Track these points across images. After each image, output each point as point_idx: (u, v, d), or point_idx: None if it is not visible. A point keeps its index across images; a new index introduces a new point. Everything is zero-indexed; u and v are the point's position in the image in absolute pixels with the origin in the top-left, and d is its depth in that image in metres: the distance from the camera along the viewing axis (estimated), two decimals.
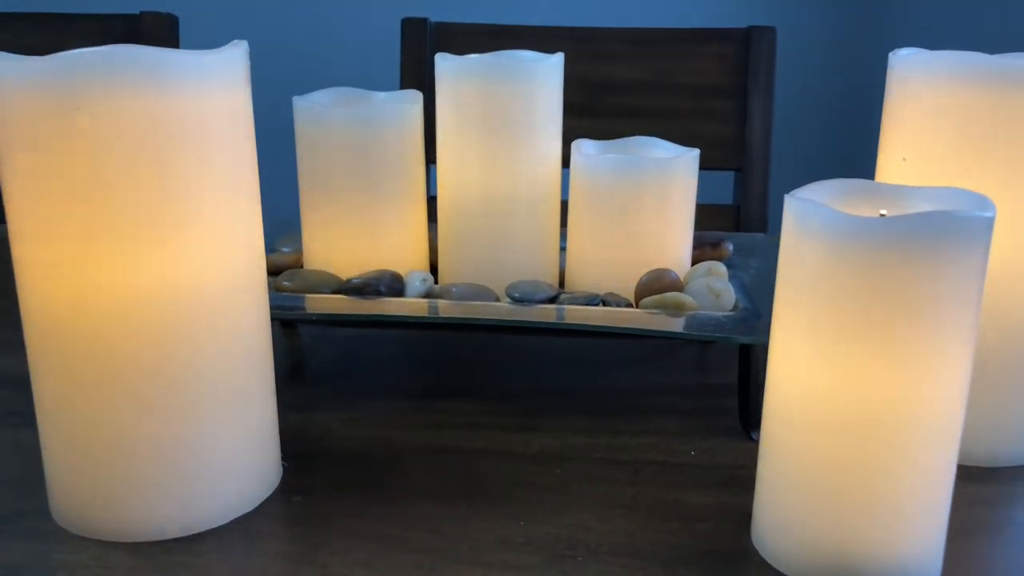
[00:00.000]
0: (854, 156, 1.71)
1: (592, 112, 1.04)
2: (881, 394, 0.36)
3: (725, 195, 1.06)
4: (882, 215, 0.39)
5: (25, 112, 0.37)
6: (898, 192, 0.40)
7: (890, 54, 0.50)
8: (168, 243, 0.39)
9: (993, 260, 0.43)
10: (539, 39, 1.03)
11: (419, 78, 1.01)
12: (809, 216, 0.37)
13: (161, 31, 1.01)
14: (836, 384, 0.37)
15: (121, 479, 0.41)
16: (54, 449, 0.42)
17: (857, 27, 1.76)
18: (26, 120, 0.37)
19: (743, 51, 1.04)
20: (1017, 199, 0.45)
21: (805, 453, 0.39)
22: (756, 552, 0.41)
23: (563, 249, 0.61)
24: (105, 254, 0.38)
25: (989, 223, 0.35)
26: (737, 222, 1.04)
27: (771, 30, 1.02)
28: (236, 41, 0.41)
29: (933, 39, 0.47)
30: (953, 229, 0.34)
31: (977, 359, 0.46)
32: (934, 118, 0.47)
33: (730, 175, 1.05)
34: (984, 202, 0.37)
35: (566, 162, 0.59)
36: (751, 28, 1.02)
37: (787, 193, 0.39)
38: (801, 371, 0.38)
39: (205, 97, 0.39)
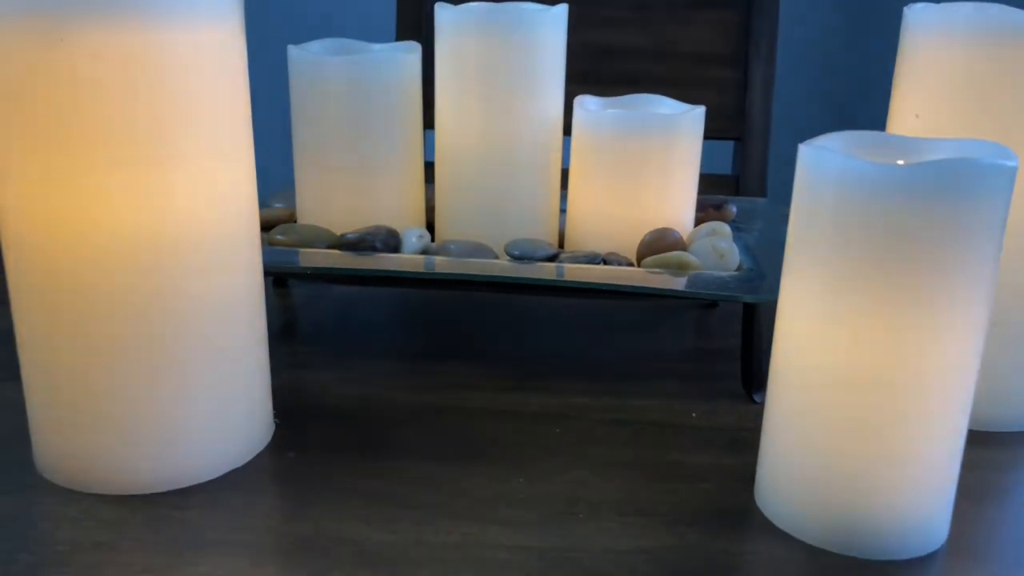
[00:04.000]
0: (857, 127, 1.69)
1: (592, 78, 1.02)
2: (893, 352, 0.35)
3: (724, 165, 1.05)
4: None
5: (6, 44, 0.35)
6: (914, 144, 0.39)
7: (905, 8, 0.48)
8: (156, 184, 0.37)
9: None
10: (541, 1, 1.01)
11: (417, 36, 0.99)
12: (824, 164, 0.35)
13: None
14: (846, 341, 0.36)
15: (108, 431, 0.40)
16: (40, 402, 0.41)
17: None
18: (7, 53, 0.35)
19: (745, 19, 1.02)
20: None
21: (812, 411, 0.38)
22: (759, 511, 0.41)
23: (563, 211, 0.60)
24: (90, 198, 0.37)
25: (1012, 172, 0.34)
26: (736, 192, 1.02)
27: None
28: None
29: None
30: (976, 177, 0.33)
31: (988, 321, 0.45)
32: (949, 73, 0.45)
33: (729, 145, 1.04)
34: (1006, 152, 0.35)
35: (567, 129, 0.57)
36: None
37: (802, 143, 0.37)
38: (810, 328, 0.37)
39: (195, 32, 0.37)
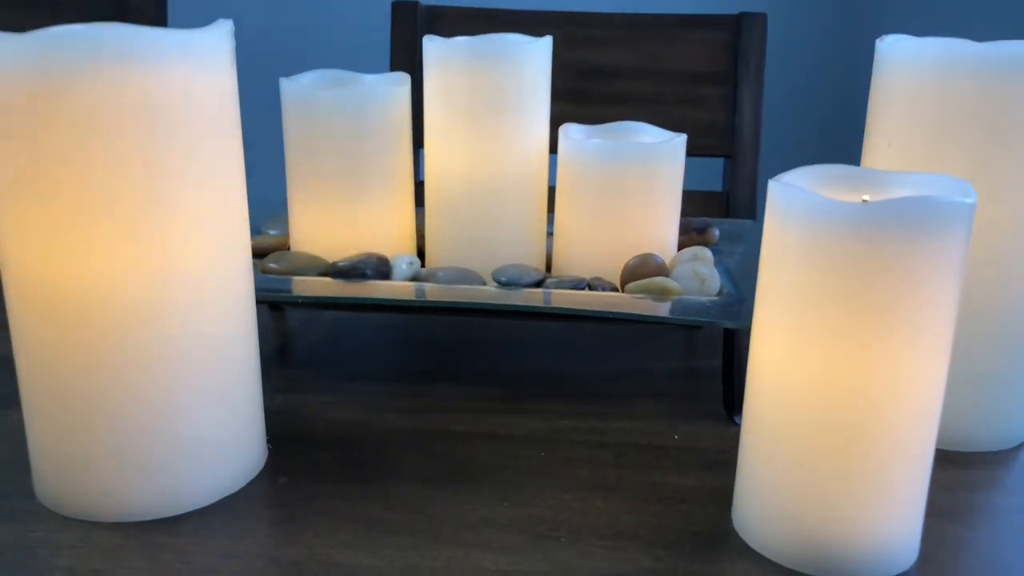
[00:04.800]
0: (843, 142, 1.71)
1: (581, 97, 1.04)
2: (860, 378, 0.37)
3: (715, 182, 1.06)
4: (864, 200, 0.39)
5: (5, 91, 0.37)
6: (881, 178, 0.40)
7: (877, 40, 0.50)
8: (152, 224, 0.39)
9: (975, 246, 0.43)
10: (529, 23, 1.03)
11: (410, 62, 1.00)
12: (791, 201, 0.37)
13: (149, 8, 1.00)
14: (816, 368, 0.37)
15: (105, 459, 0.41)
16: (38, 430, 0.42)
17: (847, 13, 1.76)
18: (6, 99, 0.37)
19: (733, 37, 1.04)
20: (999, 185, 0.46)
21: (784, 436, 0.39)
22: (736, 534, 0.42)
23: (550, 234, 0.61)
24: (88, 235, 0.38)
25: (970, 209, 0.35)
26: (726, 209, 1.04)
27: (761, 16, 1.02)
28: (221, 20, 0.41)
29: (924, 25, 0.47)
30: (934, 215, 0.35)
31: (957, 344, 0.46)
32: (919, 104, 0.47)
33: (720, 161, 1.05)
34: (965, 188, 0.37)
35: (554, 147, 0.59)
36: (741, 14, 1.02)
37: (772, 178, 0.39)
38: (782, 355, 0.38)
39: (189, 76, 0.38)
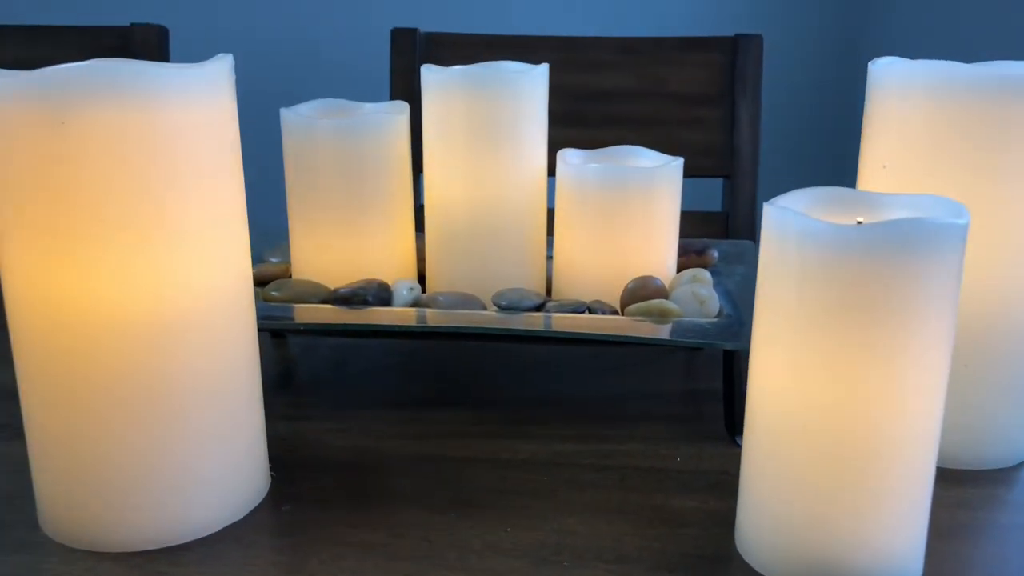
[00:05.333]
0: (841, 162, 1.72)
1: (580, 121, 1.05)
2: (859, 398, 0.37)
3: (714, 202, 1.07)
4: (859, 223, 0.39)
5: (10, 126, 0.37)
6: (875, 200, 0.40)
7: (869, 63, 0.50)
8: (154, 256, 0.39)
9: (970, 266, 0.43)
10: (528, 49, 1.04)
11: (409, 88, 1.01)
12: (787, 224, 0.37)
13: (151, 43, 1.01)
14: (814, 388, 0.38)
15: (109, 490, 0.41)
16: (43, 461, 0.43)
17: (843, 34, 1.77)
18: (11, 134, 0.38)
19: (730, 59, 1.05)
20: (993, 205, 0.46)
21: (785, 458, 0.39)
22: (740, 556, 0.42)
23: (550, 258, 0.61)
24: (91, 268, 0.39)
25: (963, 230, 0.36)
26: (726, 229, 1.04)
27: (758, 38, 1.03)
28: (220, 55, 0.42)
29: (918, 47, 0.48)
30: (928, 236, 0.35)
31: (956, 363, 0.47)
32: (912, 126, 0.47)
33: (719, 182, 1.06)
34: (959, 209, 0.37)
35: (553, 171, 0.59)
36: (738, 36, 1.03)
37: (767, 201, 0.39)
38: (780, 377, 0.39)
39: (189, 111, 0.39)
